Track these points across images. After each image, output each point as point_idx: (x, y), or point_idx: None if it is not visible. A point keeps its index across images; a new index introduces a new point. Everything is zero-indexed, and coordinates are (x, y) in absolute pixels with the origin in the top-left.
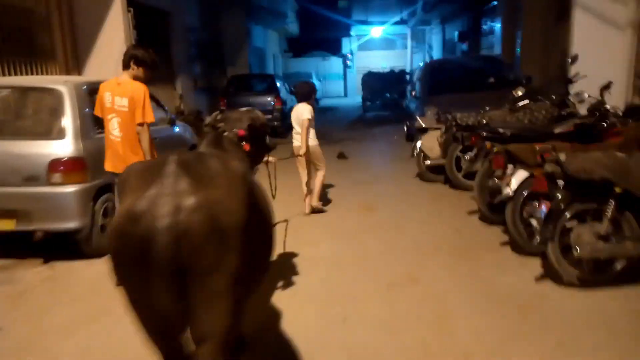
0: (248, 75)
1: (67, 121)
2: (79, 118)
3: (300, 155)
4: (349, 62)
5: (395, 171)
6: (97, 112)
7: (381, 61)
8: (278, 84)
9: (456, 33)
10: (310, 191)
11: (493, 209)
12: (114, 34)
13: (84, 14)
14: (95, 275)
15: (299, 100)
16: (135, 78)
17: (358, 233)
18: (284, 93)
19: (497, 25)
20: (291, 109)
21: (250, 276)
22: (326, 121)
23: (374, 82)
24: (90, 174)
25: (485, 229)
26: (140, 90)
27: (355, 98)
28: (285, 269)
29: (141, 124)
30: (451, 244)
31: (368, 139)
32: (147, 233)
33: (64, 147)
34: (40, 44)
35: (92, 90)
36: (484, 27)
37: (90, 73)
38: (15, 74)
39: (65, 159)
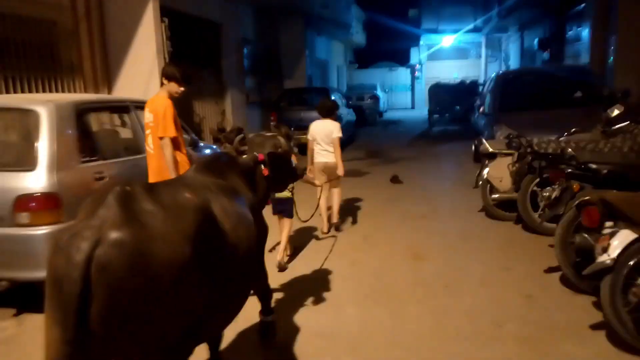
0: (301, 89)
1: (42, 148)
2: (56, 144)
3: (339, 177)
4: (417, 73)
5: (457, 203)
6: None
7: (453, 71)
8: (332, 98)
9: (536, 40)
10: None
11: (581, 273)
12: (145, 46)
13: (115, 24)
14: None
15: (323, 116)
16: (170, 94)
17: (396, 294)
18: (340, 108)
19: (585, 31)
20: (348, 123)
21: (207, 312)
22: (386, 136)
23: (442, 94)
24: (67, 212)
25: (570, 300)
26: (161, 104)
27: (422, 110)
28: (287, 353)
29: (161, 138)
30: (519, 322)
31: (431, 158)
32: (62, 265)
33: (34, 180)
34: (65, 58)
35: (83, 110)
36: (569, 33)
37: (121, 88)
38: (37, 92)
39: (35, 194)
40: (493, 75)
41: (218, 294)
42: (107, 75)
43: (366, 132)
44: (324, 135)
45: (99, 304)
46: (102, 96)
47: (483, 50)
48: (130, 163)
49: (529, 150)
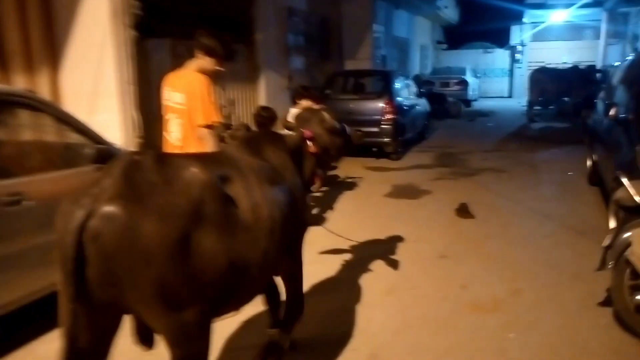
0: (355, 71)
1: None
2: None
3: None
4: (517, 55)
5: (560, 278)
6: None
7: (562, 55)
8: (397, 85)
9: None
10: None
11: None
12: (96, 6)
13: None
14: None
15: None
16: (201, 70)
17: None
18: (405, 97)
19: None
20: (418, 116)
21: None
22: (470, 133)
23: (548, 82)
24: None
25: None
26: (198, 82)
27: (521, 100)
28: None
29: (207, 126)
30: None
31: (524, 172)
32: (60, 229)
33: None
34: None
35: None
36: None
37: (69, 68)
38: None
39: None
40: (629, 58)
41: (228, 273)
42: (51, 51)
43: (445, 126)
44: None
45: (92, 269)
46: None
47: (603, 29)
48: None
49: None
